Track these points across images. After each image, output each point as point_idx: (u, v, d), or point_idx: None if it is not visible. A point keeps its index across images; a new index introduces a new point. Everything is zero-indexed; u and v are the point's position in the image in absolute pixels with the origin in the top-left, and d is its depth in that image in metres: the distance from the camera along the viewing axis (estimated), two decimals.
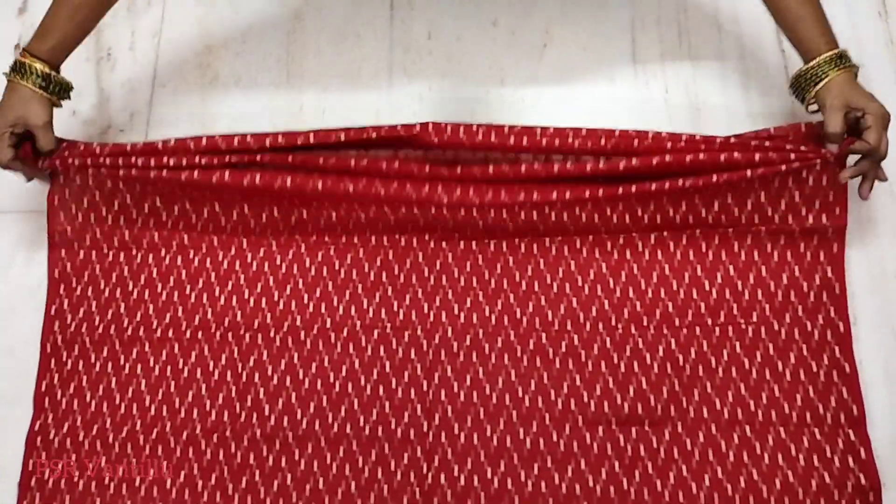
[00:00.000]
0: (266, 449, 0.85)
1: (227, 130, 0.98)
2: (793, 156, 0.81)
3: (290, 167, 0.86)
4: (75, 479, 0.85)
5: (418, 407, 0.85)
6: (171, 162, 0.85)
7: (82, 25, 0.86)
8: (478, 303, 0.89)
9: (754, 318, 0.86)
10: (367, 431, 0.85)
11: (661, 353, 0.86)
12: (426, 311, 0.89)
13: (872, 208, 0.91)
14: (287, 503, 0.83)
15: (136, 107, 1.02)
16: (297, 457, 0.85)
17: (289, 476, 0.84)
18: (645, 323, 0.87)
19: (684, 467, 0.82)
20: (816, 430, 0.83)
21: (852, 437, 0.82)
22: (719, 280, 0.87)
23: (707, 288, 0.87)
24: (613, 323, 0.87)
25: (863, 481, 0.81)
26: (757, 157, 0.81)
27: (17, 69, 0.84)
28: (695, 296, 0.87)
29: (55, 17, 0.84)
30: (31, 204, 0.94)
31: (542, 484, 0.82)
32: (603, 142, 0.84)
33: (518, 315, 0.88)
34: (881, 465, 0.82)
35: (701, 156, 0.81)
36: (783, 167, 0.81)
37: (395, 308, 0.89)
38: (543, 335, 0.87)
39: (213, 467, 0.85)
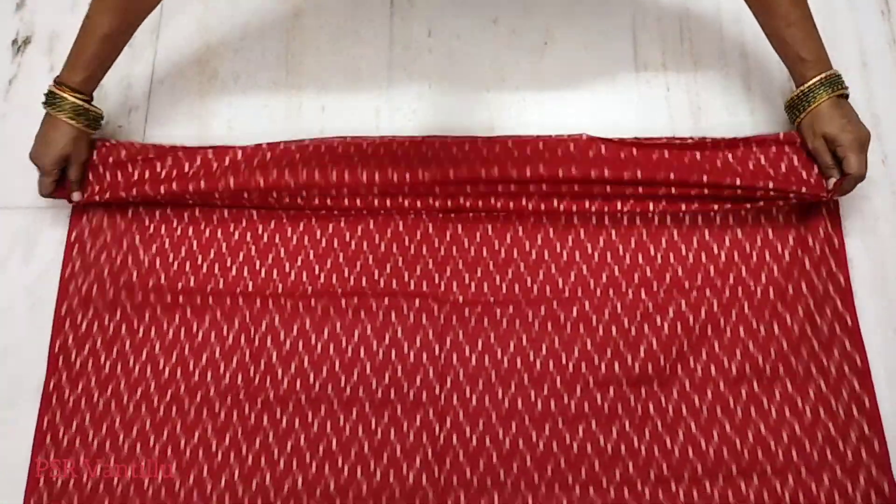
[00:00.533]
0: (279, 411, 0.86)
1: (225, 128, 1.00)
2: (793, 195, 0.85)
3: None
4: (89, 438, 0.86)
5: (430, 370, 0.86)
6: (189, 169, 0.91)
7: (111, 55, 0.90)
8: (488, 272, 0.90)
9: (763, 279, 0.88)
10: (379, 394, 0.86)
11: (670, 314, 0.87)
12: (437, 280, 0.90)
13: (874, 207, 0.90)
14: (300, 464, 0.84)
15: (134, 103, 1.02)
16: (310, 419, 0.86)
17: (302, 437, 0.85)
18: (655, 287, 0.88)
19: (693, 424, 0.84)
20: (822, 383, 0.84)
21: (857, 388, 0.84)
22: (727, 243, 0.89)
23: (716, 251, 0.89)
24: (624, 288, 0.88)
25: (867, 431, 0.82)
26: (768, 183, 0.84)
27: (52, 101, 0.88)
28: (704, 259, 0.88)
29: (83, 49, 0.87)
30: (28, 200, 0.94)
31: (554, 444, 0.83)
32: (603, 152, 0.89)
33: (528, 283, 0.89)
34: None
35: (705, 190, 0.86)
36: (790, 195, 0.85)
37: (406, 277, 0.90)
38: (554, 302, 0.88)
39: (227, 428, 0.86)
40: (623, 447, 0.83)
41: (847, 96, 0.85)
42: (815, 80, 0.83)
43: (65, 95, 0.87)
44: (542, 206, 0.88)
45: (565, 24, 1.02)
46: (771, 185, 0.84)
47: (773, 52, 0.98)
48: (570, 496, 0.82)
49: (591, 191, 0.87)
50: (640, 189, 0.86)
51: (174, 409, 0.86)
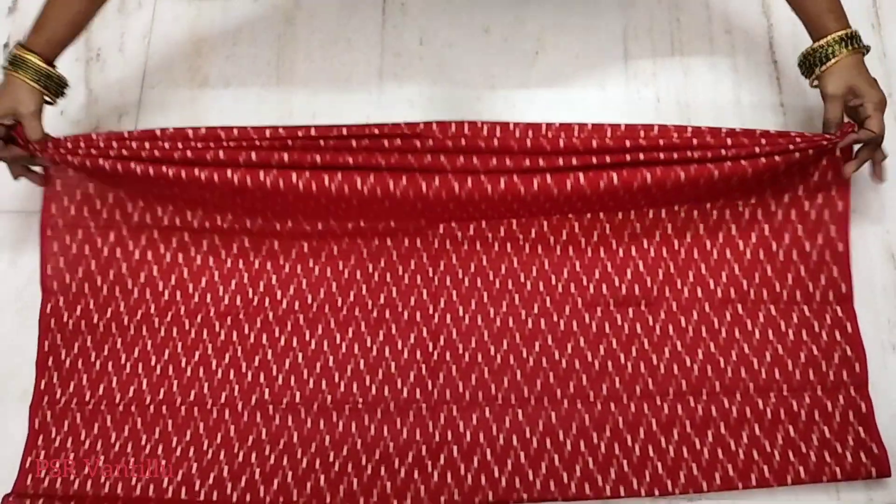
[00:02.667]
0: (278, 331, 0.89)
1: None
2: (798, 140, 0.83)
3: (287, 166, 0.84)
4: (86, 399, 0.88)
5: (424, 292, 0.89)
6: (167, 146, 0.84)
7: (75, 20, 0.86)
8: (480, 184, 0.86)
9: (752, 200, 0.89)
10: (374, 314, 0.89)
11: (657, 237, 0.89)
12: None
13: (861, 217, 0.91)
14: (298, 380, 0.87)
15: (125, 108, 1.02)
16: (307, 337, 0.89)
17: (300, 355, 0.88)
18: (644, 209, 0.89)
19: (679, 343, 0.87)
20: (805, 308, 0.87)
21: (839, 313, 0.87)
22: (718, 169, 0.85)
23: (708, 173, 0.85)
24: (613, 209, 0.89)
25: (849, 353, 0.85)
26: (763, 140, 0.83)
27: (13, 62, 0.84)
28: (693, 173, 0.83)
29: (48, 11, 0.85)
30: (17, 204, 0.94)
31: (543, 360, 0.87)
32: (609, 138, 0.85)
33: (518, 206, 0.88)
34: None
35: (709, 153, 0.83)
36: (790, 147, 0.82)
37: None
38: (545, 223, 0.89)
39: (227, 348, 0.89)
40: (610, 364, 0.86)
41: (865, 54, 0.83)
42: (838, 33, 0.81)
43: (29, 58, 0.83)
44: (540, 196, 0.85)
45: (557, 33, 1.03)
46: (772, 138, 0.83)
47: (765, 63, 0.99)
48: (558, 410, 0.85)
49: (589, 161, 0.84)
50: (642, 156, 0.83)
51: (174, 329, 0.89)
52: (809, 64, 0.84)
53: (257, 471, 0.84)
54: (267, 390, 0.87)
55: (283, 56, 1.04)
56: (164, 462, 0.85)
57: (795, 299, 0.87)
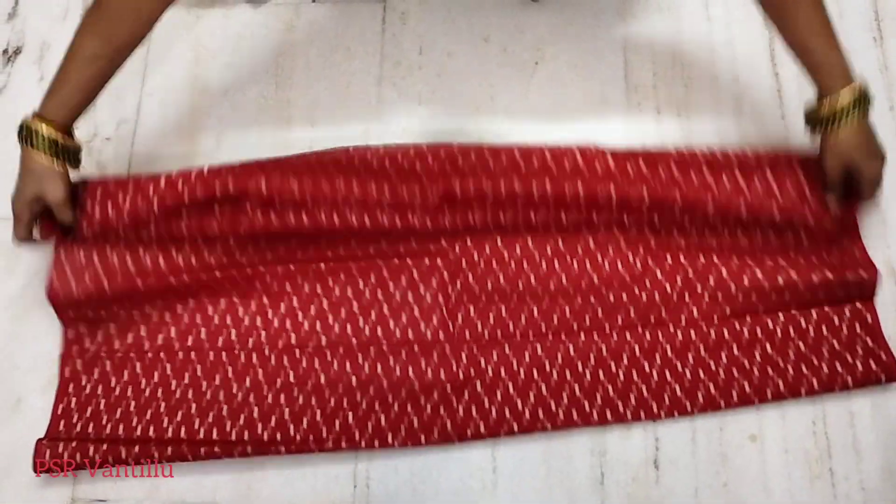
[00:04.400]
0: (301, 278, 0.91)
1: (214, 141, 0.99)
2: (798, 217, 0.86)
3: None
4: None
5: (442, 240, 0.91)
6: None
7: (92, 81, 0.82)
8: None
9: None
10: (395, 260, 0.91)
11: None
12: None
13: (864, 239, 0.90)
14: (324, 325, 0.89)
15: (124, 115, 1.01)
16: (330, 284, 0.91)
17: (325, 301, 0.90)
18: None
19: (690, 271, 0.89)
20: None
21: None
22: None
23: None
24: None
25: (859, 271, 0.87)
26: (763, 219, 0.86)
27: (27, 134, 0.82)
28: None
29: (66, 80, 0.81)
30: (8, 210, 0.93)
31: (559, 297, 0.89)
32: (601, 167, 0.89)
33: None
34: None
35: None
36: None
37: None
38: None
39: (252, 295, 0.91)
40: (624, 295, 0.88)
41: (868, 113, 0.81)
42: (842, 96, 0.79)
43: (40, 128, 0.81)
44: (549, 223, 0.89)
45: (557, 44, 1.02)
46: (776, 209, 0.85)
47: (766, 76, 0.98)
48: (576, 342, 0.86)
49: (597, 204, 0.87)
50: (647, 208, 0.86)
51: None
52: (816, 123, 0.83)
53: (286, 411, 0.86)
54: (294, 335, 0.89)
55: (282, 64, 1.03)
56: (194, 406, 0.86)
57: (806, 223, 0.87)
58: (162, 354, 0.89)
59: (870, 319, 0.86)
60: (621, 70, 1.00)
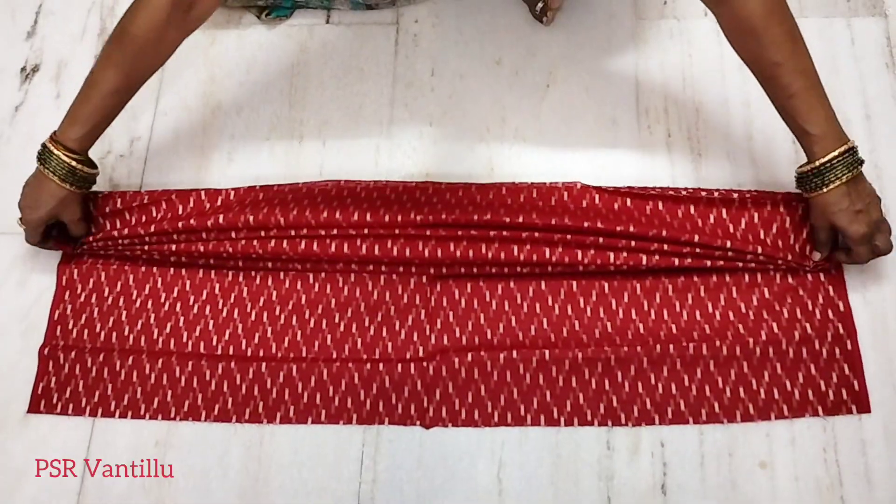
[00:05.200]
0: (286, 240, 0.90)
1: (226, 159, 1.00)
2: (780, 262, 0.87)
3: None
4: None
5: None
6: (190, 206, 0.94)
7: (112, 112, 0.87)
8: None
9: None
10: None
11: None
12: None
13: (875, 262, 0.89)
14: (304, 283, 0.93)
15: (137, 133, 1.02)
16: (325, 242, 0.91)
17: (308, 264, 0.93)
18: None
19: (670, 287, 0.89)
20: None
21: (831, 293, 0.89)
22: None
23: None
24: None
25: (832, 293, 0.88)
26: (749, 257, 0.86)
27: (45, 158, 0.85)
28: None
29: (85, 104, 0.85)
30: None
31: (536, 306, 0.90)
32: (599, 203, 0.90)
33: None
34: None
35: (697, 249, 0.87)
36: (771, 267, 0.88)
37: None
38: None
39: (241, 230, 0.91)
40: (601, 310, 0.89)
41: (860, 172, 0.80)
42: (824, 159, 0.78)
43: (57, 153, 0.85)
44: (535, 257, 0.87)
45: (568, 67, 1.03)
46: (760, 249, 0.85)
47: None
48: (551, 350, 0.87)
49: (583, 241, 0.87)
50: (633, 243, 0.86)
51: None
52: (804, 185, 0.83)
53: (269, 329, 0.91)
54: (279, 265, 0.93)
55: (295, 84, 1.04)
56: (182, 318, 0.92)
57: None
58: (154, 269, 0.94)
59: (850, 346, 0.86)
60: (632, 94, 1.01)
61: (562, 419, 0.85)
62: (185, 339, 0.91)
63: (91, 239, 0.92)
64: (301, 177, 0.97)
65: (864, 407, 0.83)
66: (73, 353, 0.91)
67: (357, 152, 1.00)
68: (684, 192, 0.91)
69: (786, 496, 0.81)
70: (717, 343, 0.85)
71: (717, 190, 0.91)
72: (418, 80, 1.04)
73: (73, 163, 0.85)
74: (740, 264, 0.87)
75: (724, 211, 0.90)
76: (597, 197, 0.91)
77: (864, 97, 0.98)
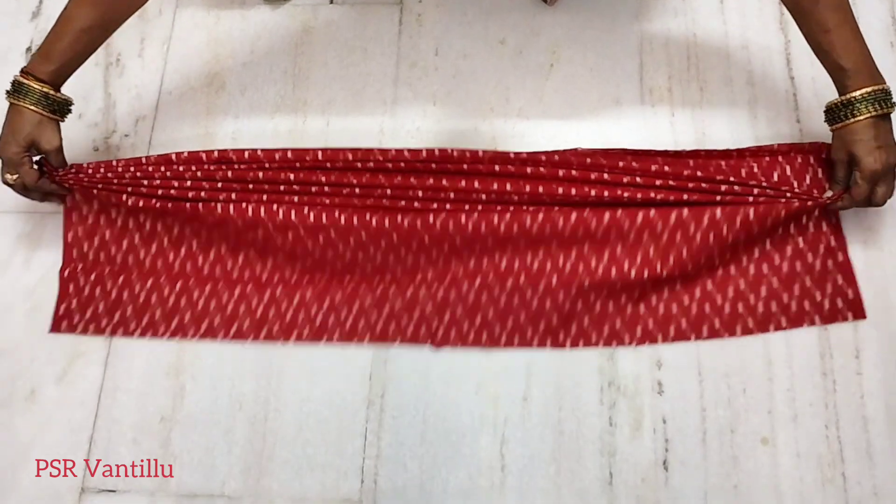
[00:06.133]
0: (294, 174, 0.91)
1: (230, 139, 1.00)
2: (789, 194, 0.86)
3: (296, 191, 0.91)
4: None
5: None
6: (182, 168, 0.90)
7: (86, 49, 0.85)
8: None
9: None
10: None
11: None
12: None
13: (878, 239, 0.89)
14: (299, 214, 0.90)
15: (142, 112, 1.03)
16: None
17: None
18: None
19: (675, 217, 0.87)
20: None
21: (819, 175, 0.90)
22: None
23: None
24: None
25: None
26: (756, 191, 0.86)
27: (17, 90, 0.84)
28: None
29: (58, 40, 0.83)
30: (30, 204, 0.94)
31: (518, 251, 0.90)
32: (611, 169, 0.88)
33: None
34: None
35: (703, 184, 0.86)
36: (782, 200, 0.86)
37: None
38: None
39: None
40: (613, 232, 0.88)
41: (889, 115, 0.80)
42: (857, 93, 0.79)
43: (28, 83, 0.83)
44: (540, 189, 0.87)
45: (572, 46, 1.03)
46: (765, 183, 0.86)
47: (781, 79, 0.98)
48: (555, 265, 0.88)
49: (590, 177, 0.87)
50: (639, 179, 0.86)
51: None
52: (832, 117, 0.83)
53: (280, 254, 0.92)
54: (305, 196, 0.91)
55: (299, 64, 1.04)
56: (195, 242, 0.93)
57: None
58: (158, 227, 0.93)
59: (841, 257, 0.87)
60: (636, 72, 1.00)
61: (567, 341, 0.87)
62: (200, 264, 0.93)
63: (86, 165, 0.90)
64: None
65: (859, 313, 0.86)
66: (92, 276, 0.93)
67: (361, 132, 1.00)
68: (685, 152, 0.92)
69: (787, 473, 0.81)
70: (716, 262, 0.87)
71: (716, 150, 0.92)
72: (422, 59, 1.04)
73: (46, 89, 0.83)
74: (750, 199, 0.85)
75: (723, 163, 0.91)
76: (601, 156, 0.90)
77: None
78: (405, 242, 0.89)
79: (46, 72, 0.83)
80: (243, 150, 0.90)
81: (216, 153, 0.90)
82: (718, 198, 0.86)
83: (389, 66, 1.04)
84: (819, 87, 0.96)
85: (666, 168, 0.87)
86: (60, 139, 0.87)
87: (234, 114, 1.02)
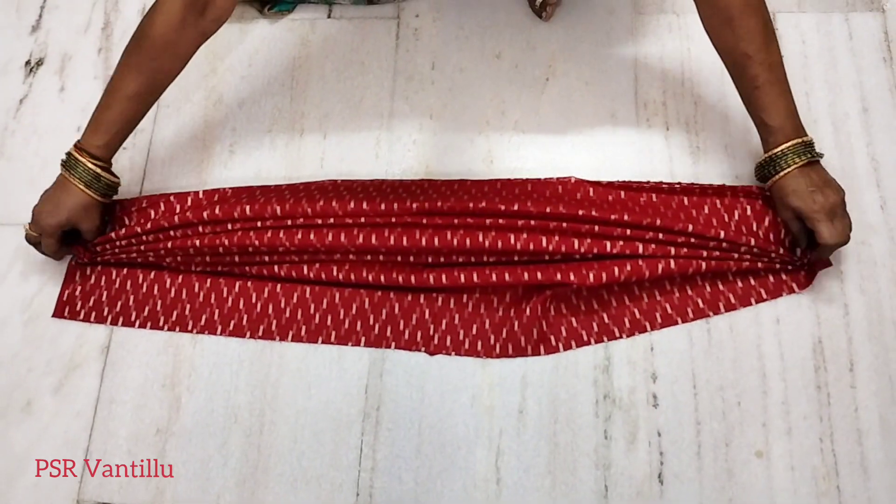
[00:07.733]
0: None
1: (227, 152, 1.01)
2: (773, 255, 0.87)
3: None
4: None
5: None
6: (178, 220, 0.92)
7: (135, 117, 0.88)
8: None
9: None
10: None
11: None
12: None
13: (871, 253, 0.90)
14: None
15: (140, 125, 1.02)
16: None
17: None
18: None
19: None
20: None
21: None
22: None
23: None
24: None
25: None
26: (742, 249, 0.87)
27: (70, 165, 0.87)
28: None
29: (107, 110, 0.86)
30: (28, 217, 0.94)
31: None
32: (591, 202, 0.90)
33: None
34: None
35: (691, 239, 0.87)
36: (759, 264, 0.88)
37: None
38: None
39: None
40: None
41: (818, 161, 0.82)
42: (779, 149, 0.81)
43: (83, 161, 0.86)
44: (531, 246, 0.87)
45: (567, 61, 1.03)
46: (753, 242, 0.86)
47: None
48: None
49: (579, 229, 0.87)
50: (628, 231, 0.87)
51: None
52: (762, 176, 0.86)
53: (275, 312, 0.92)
54: (275, 257, 0.92)
55: (297, 77, 1.05)
56: (196, 285, 0.93)
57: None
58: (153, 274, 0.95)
59: (783, 234, 0.88)
60: (631, 87, 1.01)
61: (560, 345, 0.88)
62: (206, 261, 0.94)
63: (95, 242, 0.93)
64: (302, 169, 0.98)
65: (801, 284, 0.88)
66: (98, 267, 0.95)
67: (358, 145, 1.00)
68: (678, 186, 0.92)
69: (782, 486, 0.81)
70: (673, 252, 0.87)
71: (710, 185, 0.92)
72: (419, 73, 1.04)
73: (99, 170, 0.87)
74: (735, 255, 0.87)
75: (717, 202, 0.91)
76: (591, 190, 0.92)
77: (862, 91, 0.98)
78: (404, 252, 0.90)
79: (98, 145, 0.86)
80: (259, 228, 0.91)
81: (189, 214, 0.91)
82: (705, 253, 0.87)
83: (386, 79, 1.05)
84: (811, 101, 0.97)
85: (658, 221, 0.86)
86: (102, 220, 0.91)
87: (232, 126, 1.03)
